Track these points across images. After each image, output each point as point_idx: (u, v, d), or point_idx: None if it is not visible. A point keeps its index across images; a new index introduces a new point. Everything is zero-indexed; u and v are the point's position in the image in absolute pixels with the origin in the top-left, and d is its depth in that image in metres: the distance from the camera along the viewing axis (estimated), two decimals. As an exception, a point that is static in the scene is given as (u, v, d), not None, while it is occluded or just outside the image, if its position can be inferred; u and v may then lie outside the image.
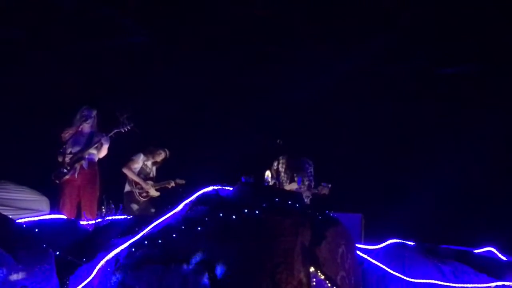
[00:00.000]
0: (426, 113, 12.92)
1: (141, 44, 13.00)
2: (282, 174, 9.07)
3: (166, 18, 12.78)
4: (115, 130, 8.26)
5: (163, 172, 9.46)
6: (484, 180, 12.06)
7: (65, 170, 8.12)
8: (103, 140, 8.22)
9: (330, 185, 8.63)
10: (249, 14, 12.68)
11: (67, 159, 8.15)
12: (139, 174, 9.11)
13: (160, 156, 9.28)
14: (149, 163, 9.24)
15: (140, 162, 9.15)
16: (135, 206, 8.96)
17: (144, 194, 9.08)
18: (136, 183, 9.05)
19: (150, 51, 12.97)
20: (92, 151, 8.26)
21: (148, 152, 9.23)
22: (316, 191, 8.65)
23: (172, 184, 9.25)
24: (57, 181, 8.13)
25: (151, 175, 9.24)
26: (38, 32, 12.28)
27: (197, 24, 12.85)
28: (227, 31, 12.82)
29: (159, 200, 9.22)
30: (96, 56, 12.47)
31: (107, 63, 12.41)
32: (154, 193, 9.16)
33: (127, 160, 9.15)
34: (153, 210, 9.05)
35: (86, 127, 8.32)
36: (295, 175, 9.01)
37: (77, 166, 8.15)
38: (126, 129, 8.27)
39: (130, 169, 9.05)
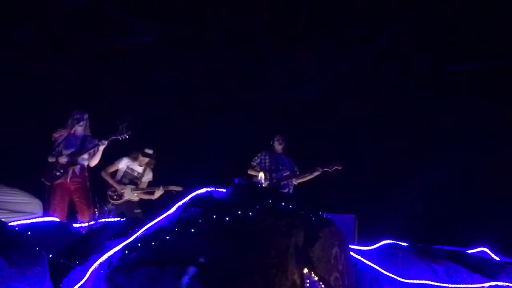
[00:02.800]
0: (417, 114, 12.93)
1: (141, 44, 12.96)
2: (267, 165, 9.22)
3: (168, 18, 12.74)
4: (112, 137, 8.20)
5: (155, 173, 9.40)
6: (477, 181, 12.09)
7: (58, 173, 8.08)
8: (99, 147, 8.19)
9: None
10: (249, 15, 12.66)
11: (60, 161, 8.12)
12: (122, 177, 9.08)
13: (144, 160, 9.17)
14: (136, 167, 9.17)
15: (122, 165, 9.12)
16: (109, 207, 8.87)
17: (115, 197, 9.00)
18: (110, 186, 9.03)
19: (148, 51, 12.94)
20: (85, 156, 8.23)
21: (132, 155, 9.17)
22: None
23: (161, 191, 9.14)
24: (49, 184, 8.09)
25: (140, 179, 9.14)
26: (40, 31, 12.21)
27: (197, 24, 12.83)
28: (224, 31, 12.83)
29: (147, 202, 9.17)
30: (96, 56, 12.43)
31: (106, 64, 12.36)
32: (131, 196, 9.05)
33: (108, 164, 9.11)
34: (137, 211, 9.00)
35: (79, 129, 8.30)
36: (280, 167, 9.20)
37: (70, 169, 8.13)
38: (124, 138, 8.22)
39: (106, 172, 9.04)
